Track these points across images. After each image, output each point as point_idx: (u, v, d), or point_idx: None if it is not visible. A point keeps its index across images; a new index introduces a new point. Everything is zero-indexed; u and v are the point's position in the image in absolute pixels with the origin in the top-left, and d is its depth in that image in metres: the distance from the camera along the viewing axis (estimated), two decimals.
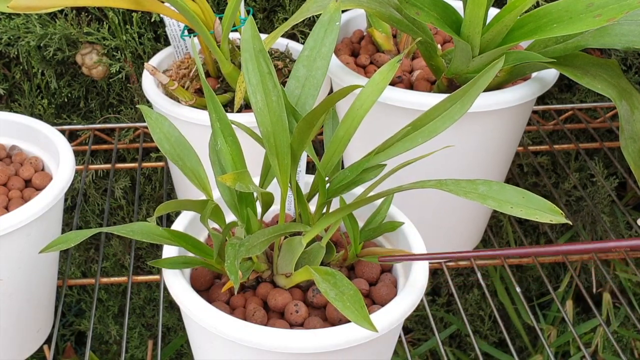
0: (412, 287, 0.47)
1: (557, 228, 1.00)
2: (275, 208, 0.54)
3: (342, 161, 0.55)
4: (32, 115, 0.88)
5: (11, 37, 0.83)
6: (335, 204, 0.48)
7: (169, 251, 0.49)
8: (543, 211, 0.40)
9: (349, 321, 0.41)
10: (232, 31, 0.66)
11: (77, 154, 0.87)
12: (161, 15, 0.80)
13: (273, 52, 0.73)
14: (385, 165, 0.47)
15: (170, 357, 1.02)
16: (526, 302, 0.74)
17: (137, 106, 0.88)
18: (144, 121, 0.65)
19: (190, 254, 0.49)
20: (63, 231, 0.64)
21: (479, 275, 0.71)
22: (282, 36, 0.77)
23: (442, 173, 0.53)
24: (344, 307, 0.39)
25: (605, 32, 0.58)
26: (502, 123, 0.62)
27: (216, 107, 0.48)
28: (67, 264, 0.72)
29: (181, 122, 0.64)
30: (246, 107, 0.67)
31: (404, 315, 0.45)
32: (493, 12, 0.67)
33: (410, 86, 0.66)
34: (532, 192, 0.41)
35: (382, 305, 0.47)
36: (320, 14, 0.48)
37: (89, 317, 1.01)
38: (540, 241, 1.03)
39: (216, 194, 0.50)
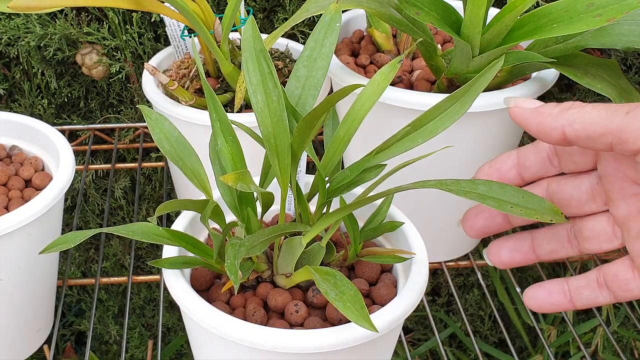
0: (412, 287, 0.47)
1: None
2: (275, 208, 0.54)
3: (342, 161, 0.55)
4: (32, 115, 0.88)
5: (11, 37, 0.83)
6: (335, 204, 0.48)
7: (169, 251, 0.49)
8: (543, 211, 0.40)
9: (349, 321, 0.41)
10: (232, 31, 0.66)
11: (77, 154, 0.87)
12: (161, 15, 0.80)
13: (273, 52, 0.73)
14: (386, 165, 0.47)
15: (170, 357, 1.02)
16: None
17: (137, 106, 0.88)
18: (144, 121, 0.65)
19: (190, 254, 0.49)
20: (63, 231, 0.64)
21: (479, 275, 0.71)
22: (282, 36, 0.77)
23: (442, 173, 0.53)
24: (344, 307, 0.39)
25: (605, 32, 0.58)
26: (502, 123, 0.62)
27: (216, 107, 0.48)
28: (67, 264, 0.72)
29: (181, 122, 0.64)
30: (246, 107, 0.67)
31: (404, 315, 0.45)
32: (493, 12, 0.67)
33: (410, 86, 0.66)
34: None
35: (382, 305, 0.47)
36: (321, 15, 0.48)
37: (89, 317, 1.01)
38: None
39: (216, 194, 0.50)
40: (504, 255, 0.44)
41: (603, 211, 0.41)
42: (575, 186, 0.42)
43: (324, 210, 0.48)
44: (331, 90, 0.73)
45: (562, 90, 0.94)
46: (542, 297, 0.43)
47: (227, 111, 0.50)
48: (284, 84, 0.50)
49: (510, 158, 0.44)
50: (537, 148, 0.43)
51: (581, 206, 0.42)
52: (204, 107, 0.65)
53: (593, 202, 0.41)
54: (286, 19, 0.85)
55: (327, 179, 0.47)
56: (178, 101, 0.66)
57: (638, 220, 0.39)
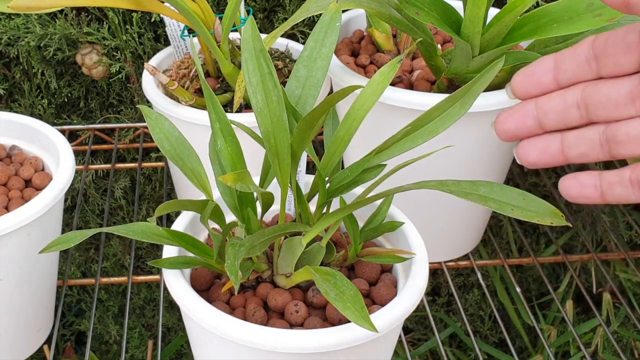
0: (412, 287, 0.47)
1: (557, 228, 1.00)
2: (275, 208, 0.54)
3: (342, 161, 0.55)
4: (32, 115, 0.88)
5: (11, 37, 0.83)
6: (335, 204, 0.48)
7: (169, 251, 0.49)
8: (544, 213, 0.40)
9: (349, 321, 0.41)
10: (232, 31, 0.66)
11: (77, 154, 0.87)
12: (161, 15, 0.80)
13: (273, 52, 0.73)
14: (386, 165, 0.47)
15: (170, 357, 1.02)
16: (526, 302, 0.74)
17: (137, 106, 0.88)
18: (144, 121, 0.65)
19: (190, 254, 0.49)
20: (63, 231, 0.64)
21: (479, 275, 0.71)
22: (282, 36, 0.77)
23: (442, 173, 0.53)
24: (344, 308, 0.39)
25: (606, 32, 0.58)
26: None
27: (216, 107, 0.48)
28: (67, 264, 0.72)
29: (181, 122, 0.64)
30: (246, 107, 0.67)
31: (404, 315, 0.45)
32: (493, 12, 0.67)
33: (410, 86, 0.66)
34: (533, 192, 0.41)
35: (382, 305, 0.47)
36: (321, 15, 0.48)
37: (89, 317, 1.01)
38: (540, 241, 1.03)
39: (216, 194, 0.50)
40: (532, 155, 0.43)
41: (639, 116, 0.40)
42: (614, 88, 0.40)
43: (324, 210, 0.48)
44: (331, 90, 0.73)
45: None
46: (574, 188, 0.42)
47: (227, 111, 0.50)
48: (284, 84, 0.50)
49: (546, 62, 0.42)
50: (575, 51, 0.41)
51: (618, 109, 0.40)
52: (204, 107, 0.65)
53: (632, 105, 0.40)
54: (286, 19, 0.85)
55: (327, 179, 0.47)
56: (178, 101, 0.66)
57: None
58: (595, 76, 0.41)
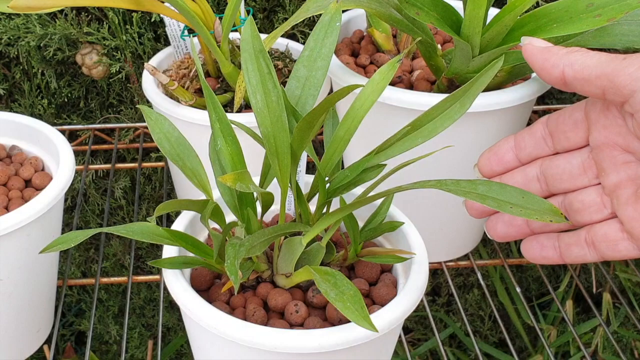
0: (412, 287, 0.47)
1: None
2: (275, 208, 0.54)
3: (342, 161, 0.55)
4: (32, 115, 0.88)
5: (11, 37, 0.83)
6: (335, 204, 0.48)
7: (169, 251, 0.49)
8: (543, 211, 0.40)
9: (349, 321, 0.41)
10: (232, 31, 0.66)
11: (77, 154, 0.87)
12: (161, 15, 0.80)
13: (273, 52, 0.73)
14: (386, 165, 0.47)
15: (170, 357, 1.02)
16: (526, 302, 0.74)
17: (137, 106, 0.88)
18: (144, 121, 0.65)
19: (190, 254, 0.49)
20: (63, 231, 0.64)
21: (479, 275, 0.71)
22: (282, 36, 0.77)
23: (442, 173, 0.53)
24: (344, 307, 0.39)
25: (605, 32, 0.58)
26: (502, 123, 0.62)
27: (216, 107, 0.48)
28: (67, 264, 0.72)
29: (181, 122, 0.64)
30: (246, 107, 0.67)
31: (404, 315, 0.45)
32: (493, 12, 0.67)
33: (410, 86, 0.66)
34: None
35: (382, 305, 0.47)
36: (321, 14, 0.48)
37: (89, 317, 1.01)
38: None
39: (216, 194, 0.50)
40: (500, 228, 0.47)
41: (593, 185, 0.44)
42: (567, 161, 0.44)
43: (324, 210, 0.48)
44: (331, 90, 0.73)
45: (562, 90, 0.94)
46: (535, 249, 0.46)
47: (227, 111, 0.50)
48: (284, 84, 0.50)
49: (507, 142, 0.46)
50: (532, 130, 0.46)
51: (572, 180, 0.44)
52: (204, 107, 0.65)
53: (584, 175, 0.44)
54: (286, 19, 0.85)
55: (327, 179, 0.47)
56: (178, 101, 0.66)
57: (627, 187, 0.41)
58: (551, 151, 0.45)
